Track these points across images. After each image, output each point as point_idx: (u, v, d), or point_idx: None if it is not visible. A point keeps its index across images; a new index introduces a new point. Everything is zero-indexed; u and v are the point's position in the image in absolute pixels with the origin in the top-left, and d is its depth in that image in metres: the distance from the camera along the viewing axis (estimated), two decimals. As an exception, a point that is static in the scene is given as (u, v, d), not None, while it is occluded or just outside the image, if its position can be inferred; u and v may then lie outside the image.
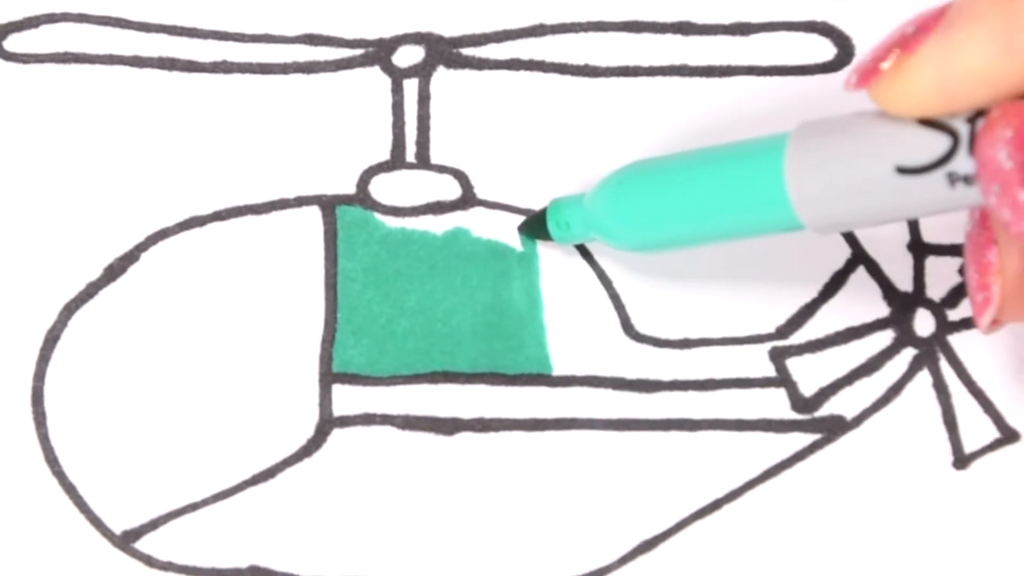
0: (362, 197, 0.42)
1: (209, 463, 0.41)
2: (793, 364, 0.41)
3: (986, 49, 0.30)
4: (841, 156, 0.32)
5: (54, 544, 0.40)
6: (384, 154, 0.42)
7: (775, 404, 0.41)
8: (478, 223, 0.42)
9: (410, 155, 0.42)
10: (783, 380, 0.41)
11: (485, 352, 0.41)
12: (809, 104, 0.42)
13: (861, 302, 0.41)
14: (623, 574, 0.41)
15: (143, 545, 0.40)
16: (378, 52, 0.42)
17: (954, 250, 0.42)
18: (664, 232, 0.37)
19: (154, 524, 0.40)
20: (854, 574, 0.41)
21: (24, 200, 0.41)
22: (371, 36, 0.42)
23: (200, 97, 0.42)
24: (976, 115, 0.30)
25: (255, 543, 0.40)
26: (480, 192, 0.42)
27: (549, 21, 0.42)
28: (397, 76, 0.42)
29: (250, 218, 0.41)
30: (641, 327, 0.41)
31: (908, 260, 0.42)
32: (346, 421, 0.41)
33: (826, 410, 0.41)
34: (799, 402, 0.41)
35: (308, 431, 0.41)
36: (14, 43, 0.42)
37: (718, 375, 0.41)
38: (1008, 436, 0.41)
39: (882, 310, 0.42)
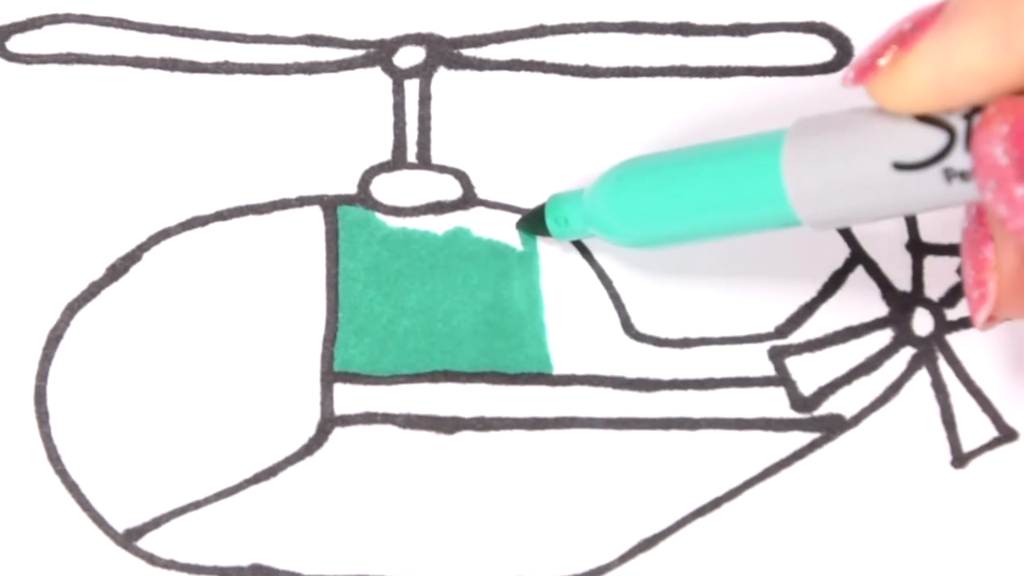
0: (363, 197, 0.42)
1: (211, 462, 0.41)
2: (792, 363, 0.41)
3: (983, 46, 0.30)
4: (838, 152, 0.32)
5: (57, 542, 0.40)
6: (385, 154, 0.42)
7: (774, 403, 0.41)
8: (479, 223, 0.42)
9: (411, 155, 0.42)
10: (782, 379, 0.41)
11: (486, 351, 0.41)
12: (808, 104, 0.41)
13: (860, 301, 0.42)
14: (623, 572, 0.41)
15: (145, 543, 0.40)
16: (379, 53, 0.42)
17: (953, 250, 0.42)
18: (662, 228, 0.37)
19: (156, 522, 0.40)
20: (853, 572, 0.41)
21: (27, 200, 0.41)
22: (372, 37, 0.42)
23: (202, 98, 0.42)
24: (972, 111, 0.30)
25: (257, 541, 0.40)
26: (481, 192, 0.42)
27: (549, 22, 0.42)
28: (398, 77, 0.42)
29: (252, 218, 0.41)
30: (641, 326, 0.41)
31: (907, 260, 0.42)
32: (347, 420, 0.41)
33: (825, 409, 0.41)
34: (798, 401, 0.41)
35: (310, 430, 0.41)
36: (17, 44, 0.42)
37: (718, 374, 0.41)
38: (1006, 435, 0.41)
39: (881, 309, 0.42)
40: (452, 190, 0.42)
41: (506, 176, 0.42)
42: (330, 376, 0.41)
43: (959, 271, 0.42)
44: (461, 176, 0.42)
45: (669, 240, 0.38)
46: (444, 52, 0.42)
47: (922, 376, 0.41)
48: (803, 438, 0.41)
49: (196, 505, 0.40)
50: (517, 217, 0.41)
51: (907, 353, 0.41)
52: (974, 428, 0.41)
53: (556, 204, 0.40)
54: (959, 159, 0.30)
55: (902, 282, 0.42)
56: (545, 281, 0.41)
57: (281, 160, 0.42)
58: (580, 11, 0.42)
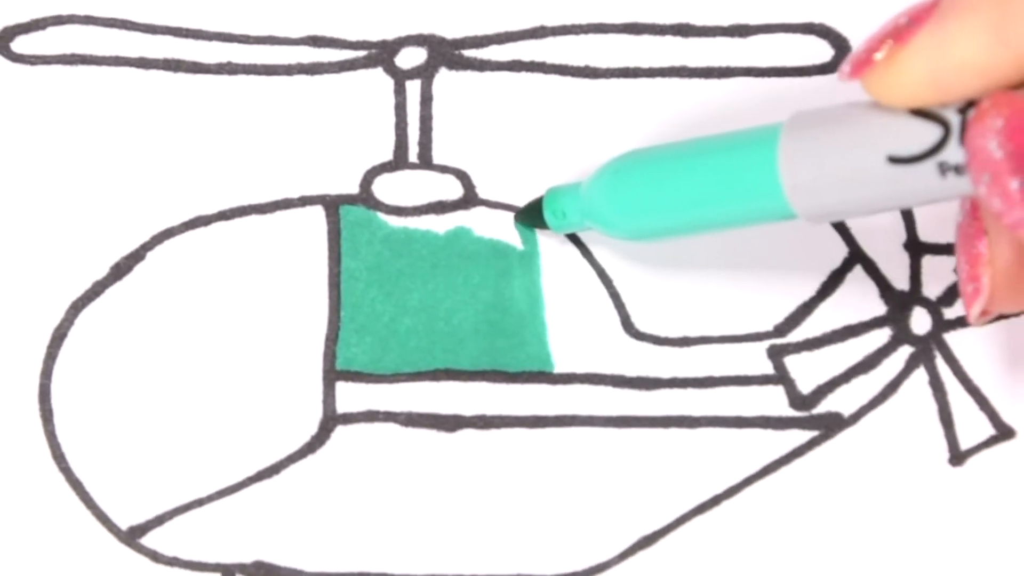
0: (365, 197, 0.42)
1: (214, 460, 0.41)
2: (791, 362, 0.41)
3: (978, 40, 0.30)
4: (834, 146, 0.32)
5: (61, 540, 0.40)
6: (387, 154, 0.42)
7: (773, 401, 0.41)
8: (480, 222, 0.42)
9: (412, 155, 0.42)
10: (781, 377, 0.41)
11: (487, 350, 0.41)
12: (807, 104, 0.42)
13: (858, 300, 0.42)
14: (623, 569, 0.41)
15: (149, 541, 0.40)
16: (381, 54, 0.42)
17: (950, 249, 0.42)
18: (659, 220, 0.37)
19: (160, 520, 0.40)
20: (852, 569, 0.41)
21: (31, 199, 0.41)
22: (374, 38, 0.42)
23: (205, 98, 0.42)
24: (967, 105, 0.30)
25: (260, 539, 0.40)
26: (482, 192, 0.42)
27: (550, 23, 0.42)
28: (400, 77, 0.42)
29: (254, 218, 0.42)
30: (641, 325, 0.41)
31: (905, 259, 0.42)
32: (349, 418, 0.41)
33: (824, 407, 0.41)
34: (797, 399, 0.41)
35: (312, 428, 0.41)
36: (21, 44, 0.42)
37: (717, 372, 0.41)
38: (1003, 433, 0.41)
39: (879, 308, 0.42)
40: (453, 190, 0.42)
41: (507, 176, 0.42)
42: (332, 375, 0.41)
43: (957, 271, 0.42)
44: (462, 176, 0.42)
45: (666, 233, 0.38)
46: (445, 53, 0.42)
47: (920, 374, 0.41)
48: (802, 436, 0.41)
49: (199, 503, 0.41)
50: (519, 223, 0.42)
51: (905, 352, 0.42)
52: (971, 426, 0.41)
53: (554, 197, 0.40)
54: (954, 153, 0.31)
55: (900, 281, 0.42)
56: (546, 280, 0.42)
57: (283, 160, 0.42)
58: (580, 12, 0.42)
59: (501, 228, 0.42)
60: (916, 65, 0.31)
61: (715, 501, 0.41)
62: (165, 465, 0.41)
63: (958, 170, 0.31)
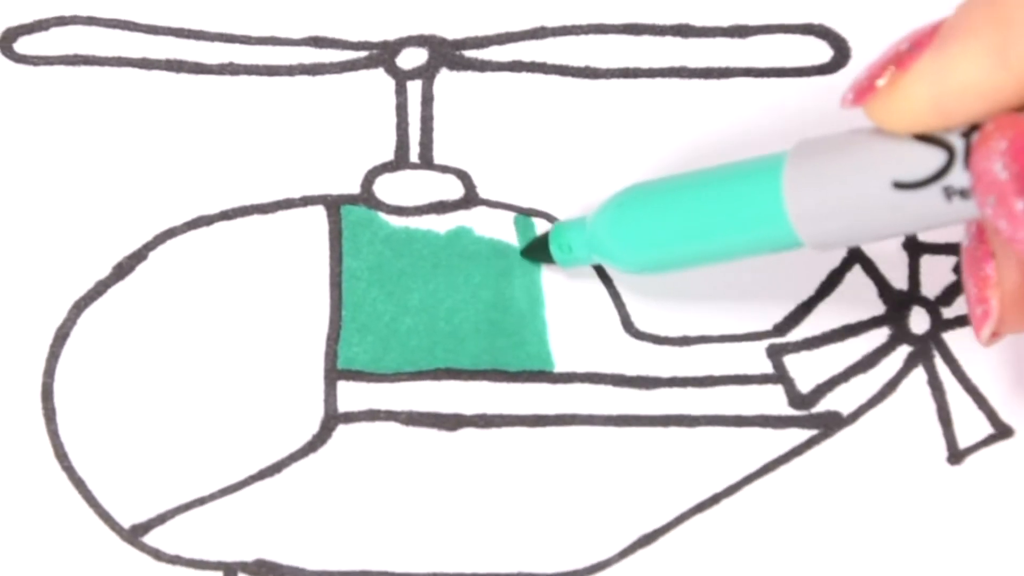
0: (366, 197, 0.42)
1: (216, 458, 0.41)
2: (790, 361, 0.41)
3: (980, 64, 0.30)
4: (838, 173, 0.32)
5: (63, 538, 0.40)
6: (388, 154, 0.42)
7: (773, 400, 0.41)
8: (480, 222, 0.42)
9: (414, 155, 0.42)
10: (780, 377, 0.41)
11: (487, 349, 0.41)
12: (806, 105, 0.42)
13: (857, 300, 0.42)
14: (623, 567, 0.41)
15: (151, 539, 0.40)
16: (382, 54, 0.42)
17: (948, 249, 0.42)
18: (665, 253, 0.37)
19: (162, 518, 0.40)
20: (850, 567, 0.41)
21: (34, 199, 0.42)
22: (375, 39, 0.42)
23: (207, 98, 0.42)
24: (971, 129, 0.30)
25: (261, 537, 0.41)
26: (482, 192, 0.42)
27: (550, 24, 0.43)
28: (401, 78, 0.42)
29: (256, 217, 0.42)
30: (641, 325, 0.42)
31: (903, 259, 0.42)
32: (351, 417, 0.41)
33: (823, 406, 0.41)
34: (796, 398, 0.41)
35: (313, 427, 0.41)
36: (24, 45, 0.42)
37: (717, 372, 0.41)
38: (1001, 432, 0.41)
39: (878, 308, 0.42)
40: (454, 190, 0.42)
41: (507, 176, 0.42)
42: (334, 374, 0.41)
43: (955, 270, 0.42)
44: (463, 176, 0.42)
45: (673, 265, 0.38)
46: (446, 54, 0.42)
47: (918, 373, 0.41)
48: (801, 435, 0.41)
49: (201, 501, 0.41)
50: (518, 216, 0.42)
51: (904, 351, 0.42)
52: (970, 425, 0.41)
53: (560, 232, 0.40)
54: (958, 177, 0.30)
55: (899, 281, 0.42)
56: (546, 280, 0.42)
57: (285, 160, 0.42)
58: (580, 13, 0.43)
59: (502, 228, 0.42)
60: (918, 90, 0.31)
61: (715, 500, 0.41)
62: (167, 464, 0.41)
63: (963, 194, 0.31)
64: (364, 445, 0.41)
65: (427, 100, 0.42)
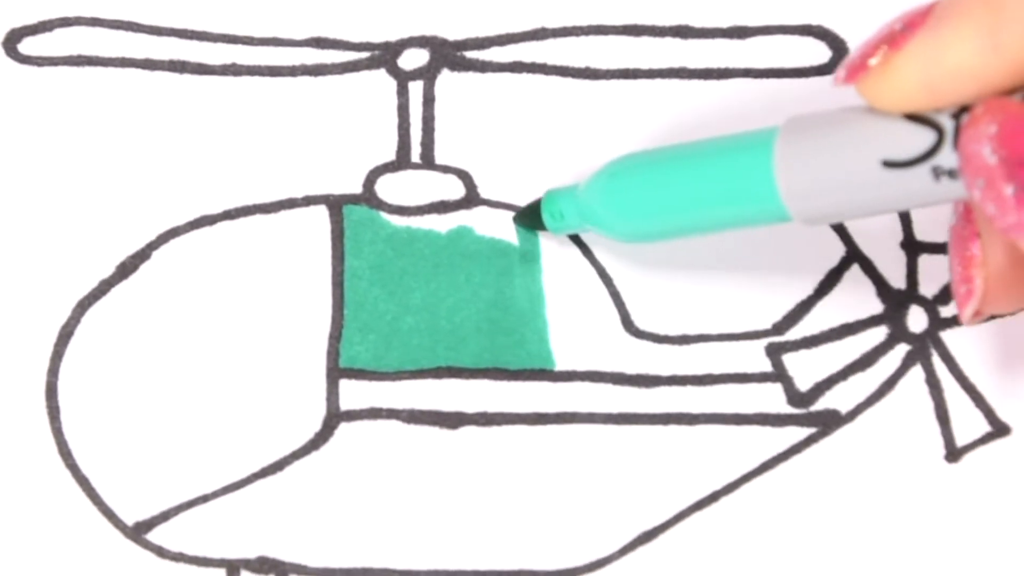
0: (368, 196, 0.42)
1: (219, 456, 0.41)
2: (789, 359, 0.41)
3: (972, 46, 0.30)
4: (828, 150, 0.33)
5: (67, 535, 0.40)
6: (390, 154, 0.42)
7: (771, 399, 0.41)
8: (481, 222, 0.42)
9: (415, 155, 0.42)
10: (779, 375, 0.41)
11: (488, 348, 0.41)
12: (805, 106, 0.41)
13: (855, 299, 0.42)
14: (623, 565, 0.41)
15: (155, 536, 0.41)
16: (384, 55, 0.43)
17: (946, 248, 0.41)
18: (655, 222, 0.37)
19: (165, 516, 0.41)
20: (849, 565, 0.41)
21: (38, 199, 0.42)
22: (377, 40, 0.42)
23: (210, 99, 0.42)
24: (961, 111, 0.31)
25: (264, 534, 0.41)
26: (483, 192, 0.42)
27: (551, 25, 0.43)
28: (402, 79, 0.42)
29: (259, 217, 0.42)
30: (641, 323, 0.42)
31: (901, 258, 0.42)
32: (353, 415, 0.41)
33: (821, 404, 0.41)
34: (795, 397, 0.41)
35: (315, 425, 0.41)
36: (29, 46, 0.42)
37: (716, 370, 0.41)
38: (999, 430, 0.41)
39: (876, 307, 0.42)
40: (455, 190, 0.42)
41: (508, 176, 0.42)
42: (335, 372, 0.41)
43: (950, 272, 0.42)
44: (464, 176, 0.42)
45: (662, 235, 0.38)
46: (448, 54, 0.42)
47: (916, 372, 0.42)
48: (800, 433, 0.41)
49: (204, 499, 0.41)
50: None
51: (902, 350, 0.42)
52: (967, 423, 0.41)
53: (551, 199, 0.40)
54: (947, 157, 0.31)
55: (897, 280, 0.42)
56: (547, 279, 0.42)
57: (287, 160, 0.42)
58: (581, 14, 0.43)
59: (503, 227, 0.42)
60: (910, 70, 0.31)
61: (714, 497, 0.41)
62: (170, 461, 0.41)
63: (952, 174, 0.31)
64: (366, 443, 0.41)
65: (428, 101, 0.42)
